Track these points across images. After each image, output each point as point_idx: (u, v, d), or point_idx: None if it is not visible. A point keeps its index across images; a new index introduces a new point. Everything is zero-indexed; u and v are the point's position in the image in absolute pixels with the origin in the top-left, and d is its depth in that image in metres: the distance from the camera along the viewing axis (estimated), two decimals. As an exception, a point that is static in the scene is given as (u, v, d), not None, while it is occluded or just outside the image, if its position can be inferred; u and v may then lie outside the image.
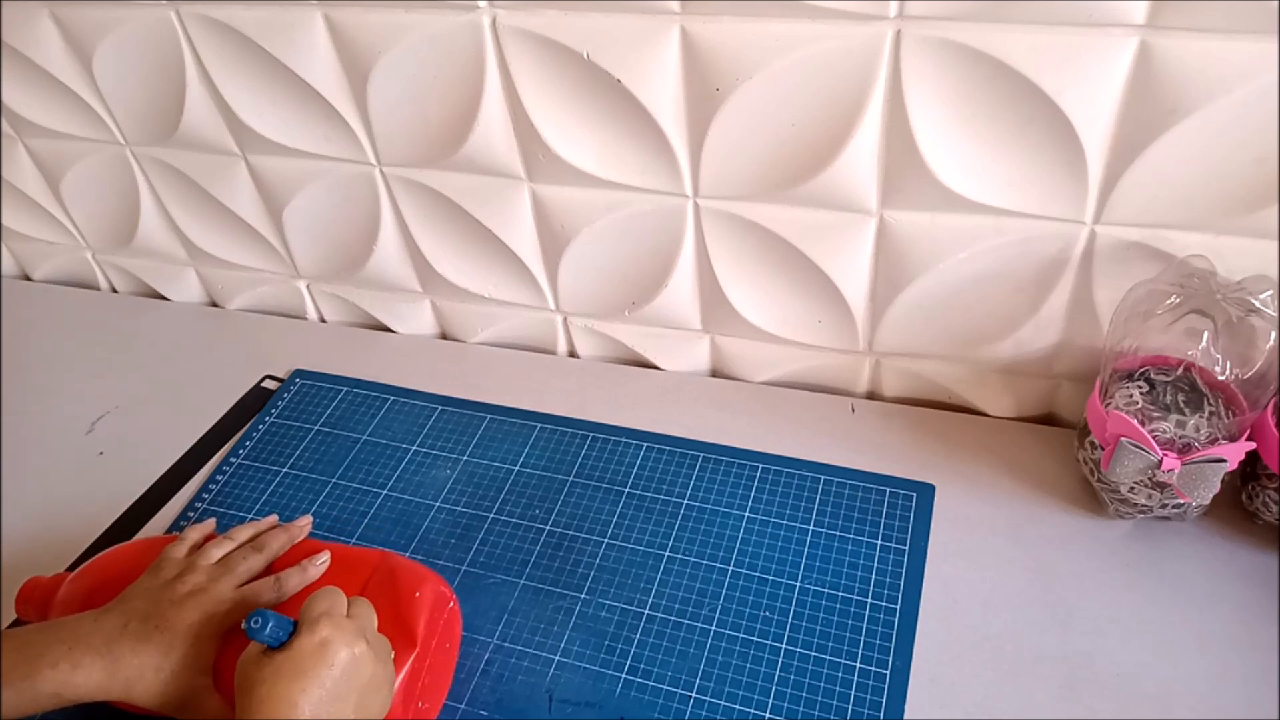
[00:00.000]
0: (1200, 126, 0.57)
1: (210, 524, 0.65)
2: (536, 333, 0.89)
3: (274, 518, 0.65)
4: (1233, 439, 0.61)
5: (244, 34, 0.74)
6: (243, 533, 0.63)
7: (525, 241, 0.81)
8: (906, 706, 0.59)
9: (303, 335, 0.95)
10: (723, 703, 0.60)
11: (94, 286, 1.06)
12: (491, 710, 0.61)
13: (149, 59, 0.80)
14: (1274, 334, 0.59)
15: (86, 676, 0.51)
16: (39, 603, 0.62)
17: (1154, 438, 0.61)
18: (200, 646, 0.54)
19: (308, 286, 0.96)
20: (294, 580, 0.59)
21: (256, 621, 0.49)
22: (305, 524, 0.64)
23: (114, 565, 0.63)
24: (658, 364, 0.87)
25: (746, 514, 0.71)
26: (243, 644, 0.51)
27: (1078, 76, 0.57)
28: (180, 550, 0.60)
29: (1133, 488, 0.64)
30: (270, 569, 0.60)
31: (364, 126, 0.77)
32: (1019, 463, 0.73)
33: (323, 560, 0.60)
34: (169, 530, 0.75)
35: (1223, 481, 0.61)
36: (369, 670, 0.50)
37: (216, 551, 0.60)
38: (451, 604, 0.62)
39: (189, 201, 0.91)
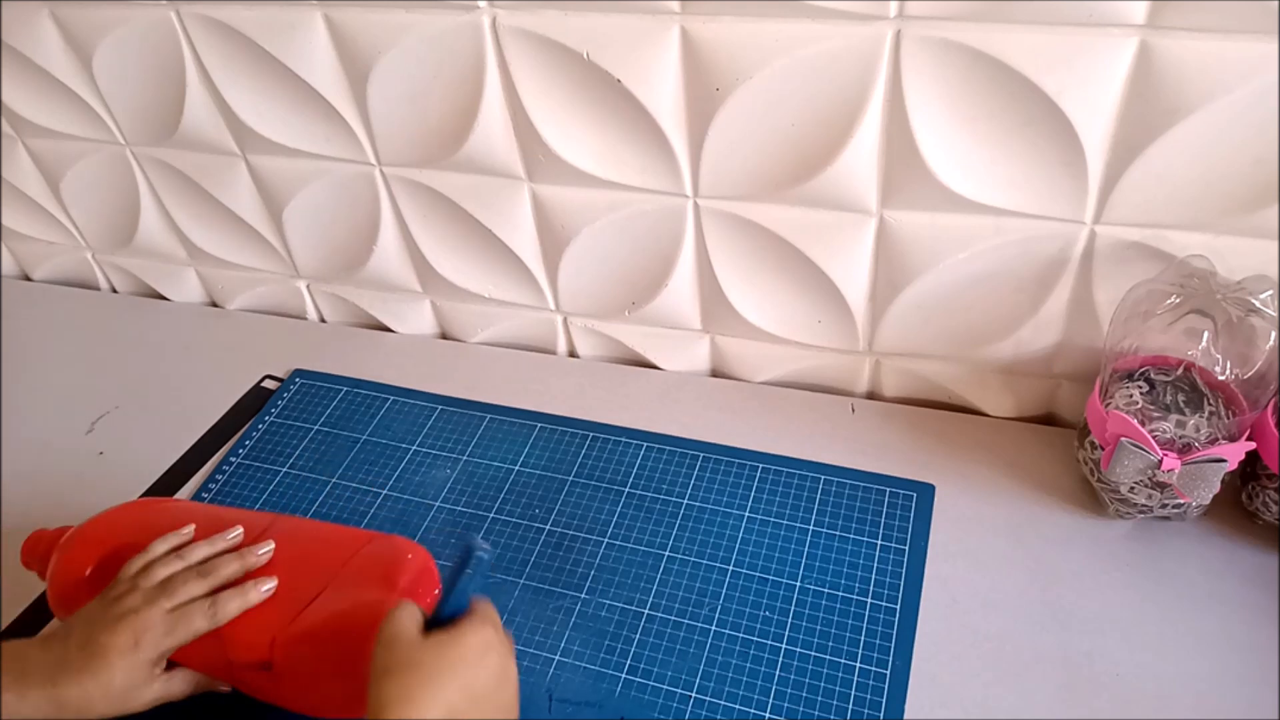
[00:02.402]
0: (1200, 126, 0.57)
1: (188, 531, 0.63)
2: (536, 333, 0.89)
3: (239, 533, 0.62)
4: (1233, 439, 0.61)
5: (244, 34, 0.74)
6: (196, 553, 0.60)
7: (525, 241, 0.81)
8: (906, 706, 0.59)
9: (303, 335, 0.95)
10: (723, 703, 0.60)
11: (94, 286, 1.06)
12: (491, 710, 0.61)
13: (149, 59, 0.80)
14: (1274, 334, 0.59)
15: (34, 707, 0.54)
16: (41, 555, 0.64)
17: (1154, 438, 0.61)
18: (133, 668, 0.55)
19: (308, 286, 0.96)
20: (233, 605, 0.57)
21: (481, 555, 0.50)
22: (266, 551, 0.61)
23: (121, 519, 0.64)
24: (658, 364, 0.87)
25: (746, 514, 0.71)
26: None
27: (1078, 76, 0.57)
28: (134, 566, 0.59)
29: (1133, 488, 0.64)
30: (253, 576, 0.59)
31: (364, 126, 0.77)
32: (1019, 463, 0.73)
33: (265, 550, 0.59)
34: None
35: (1223, 481, 0.61)
36: (510, 692, 0.51)
37: (163, 572, 0.58)
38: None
39: (189, 201, 0.91)
